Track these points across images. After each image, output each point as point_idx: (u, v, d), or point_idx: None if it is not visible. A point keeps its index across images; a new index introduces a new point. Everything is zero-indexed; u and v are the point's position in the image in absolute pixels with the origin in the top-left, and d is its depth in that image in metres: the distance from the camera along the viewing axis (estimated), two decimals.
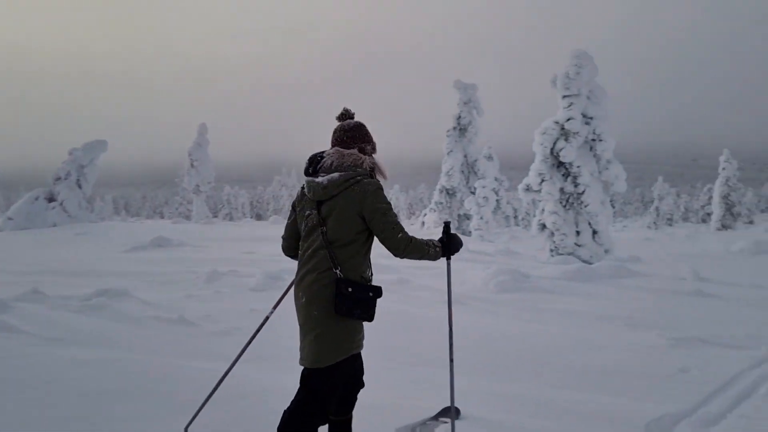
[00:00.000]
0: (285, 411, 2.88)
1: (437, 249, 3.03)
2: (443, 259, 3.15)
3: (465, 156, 26.26)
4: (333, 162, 2.97)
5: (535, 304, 7.68)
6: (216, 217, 56.49)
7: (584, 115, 14.84)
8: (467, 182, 26.45)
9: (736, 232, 34.17)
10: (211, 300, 7.51)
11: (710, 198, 47.84)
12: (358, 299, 2.82)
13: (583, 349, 5.73)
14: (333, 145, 3.11)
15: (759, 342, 6.19)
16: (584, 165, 14.63)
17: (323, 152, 3.08)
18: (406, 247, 2.89)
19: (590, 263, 12.97)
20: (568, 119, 14.54)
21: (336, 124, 3.18)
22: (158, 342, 5.40)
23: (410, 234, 2.93)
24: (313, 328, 2.82)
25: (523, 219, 53.28)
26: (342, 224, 2.87)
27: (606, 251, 15.00)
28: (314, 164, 3.06)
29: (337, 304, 2.78)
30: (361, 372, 3.09)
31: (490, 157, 32.55)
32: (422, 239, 3.00)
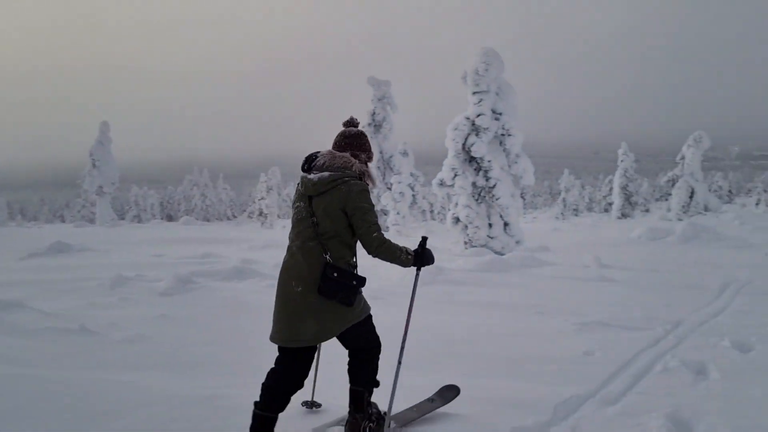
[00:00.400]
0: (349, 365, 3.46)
1: (409, 257, 3.33)
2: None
3: (380, 152, 26.43)
4: (325, 162, 3.29)
5: (450, 296, 7.82)
6: (123, 219, 53.92)
7: (494, 111, 15.28)
8: (383, 178, 26.66)
9: (635, 220, 36.43)
10: (116, 307, 7.11)
11: (611, 189, 50.70)
12: (342, 285, 3.12)
13: (495, 337, 5.89)
14: (333, 148, 3.45)
15: (655, 323, 6.59)
16: (495, 159, 15.08)
17: (318, 152, 3.40)
18: (378, 247, 3.18)
19: (502, 254, 13.39)
20: (479, 115, 14.93)
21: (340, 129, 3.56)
22: (56, 354, 5.05)
23: (382, 235, 3.21)
24: (313, 311, 3.12)
25: (438, 213, 54.35)
26: (330, 219, 3.17)
27: (517, 242, 15.56)
28: (309, 162, 3.38)
29: (320, 286, 3.07)
30: (374, 336, 3.53)
31: (405, 153, 32.92)
32: (397, 244, 3.28)
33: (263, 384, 3.19)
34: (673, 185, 35.96)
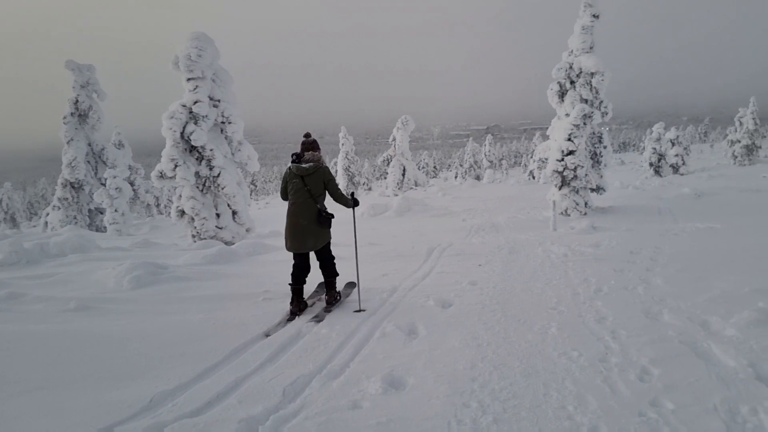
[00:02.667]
0: (321, 268, 6.75)
1: (349, 202, 6.80)
2: None
3: (89, 144, 23.79)
4: (309, 158, 6.50)
5: (175, 294, 7.38)
6: None
7: (211, 98, 14.81)
8: (96, 173, 24.07)
9: (358, 199, 39.10)
10: None
11: (336, 171, 53.55)
12: (327, 218, 6.44)
13: (222, 329, 5.74)
14: (303, 150, 6.60)
15: (374, 293, 7.12)
16: (217, 148, 14.67)
17: (302, 153, 6.57)
18: (337, 199, 6.64)
19: (233, 244, 13.18)
20: (196, 102, 14.32)
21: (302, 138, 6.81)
22: None
23: (341, 192, 6.67)
24: (313, 233, 6.41)
25: (165, 206, 51.40)
26: (317, 187, 6.41)
27: (247, 230, 15.46)
28: (298, 158, 6.55)
29: (319, 220, 6.37)
30: (331, 253, 6.81)
31: (120, 144, 30.26)
32: (346, 197, 6.74)
33: (291, 273, 6.55)
34: (388, 164, 39.48)
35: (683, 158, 37.27)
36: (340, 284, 7.51)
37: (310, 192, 6.36)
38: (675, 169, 37.12)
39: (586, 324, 5.52)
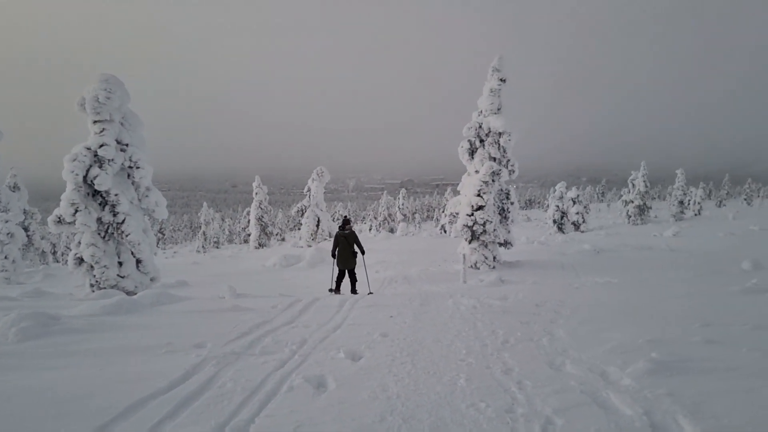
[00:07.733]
0: (348, 281, 14.66)
1: (362, 249, 13.98)
2: None
3: None
4: (348, 228, 13.98)
5: (67, 347, 6.84)
6: None
7: (119, 142, 14.28)
8: None
9: (271, 249, 38.47)
10: None
11: (249, 220, 52.60)
12: (356, 254, 13.96)
13: (119, 385, 5.36)
14: (344, 224, 13.97)
15: (282, 345, 6.94)
16: (122, 193, 14.06)
17: (344, 225, 13.97)
18: (359, 247, 13.83)
19: (136, 294, 12.50)
20: (101, 145, 13.75)
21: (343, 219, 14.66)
22: None
23: (361, 245, 14.02)
24: (351, 261, 13.91)
25: (63, 254, 48.30)
26: (352, 240, 13.87)
27: (152, 279, 14.76)
28: (343, 227, 13.94)
29: (353, 255, 13.91)
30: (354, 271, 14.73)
31: (15, 187, 28.40)
32: (362, 246, 14.00)
33: (335, 280, 14.11)
34: (302, 215, 39.25)
35: (583, 216, 39.56)
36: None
37: (349, 243, 13.63)
38: (576, 226, 39.27)
39: (494, 375, 5.60)
